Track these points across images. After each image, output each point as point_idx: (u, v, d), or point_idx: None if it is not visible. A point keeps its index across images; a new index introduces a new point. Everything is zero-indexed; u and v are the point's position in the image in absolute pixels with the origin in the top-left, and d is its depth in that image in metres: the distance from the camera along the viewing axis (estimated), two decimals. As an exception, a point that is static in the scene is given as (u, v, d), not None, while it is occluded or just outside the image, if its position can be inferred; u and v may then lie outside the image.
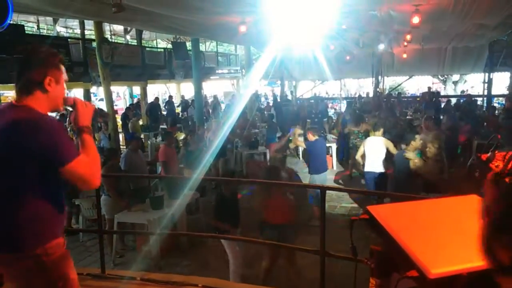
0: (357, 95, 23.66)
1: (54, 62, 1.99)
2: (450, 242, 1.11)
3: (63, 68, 2.04)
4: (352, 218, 1.25)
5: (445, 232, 1.17)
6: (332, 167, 10.95)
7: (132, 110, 15.26)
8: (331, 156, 11.13)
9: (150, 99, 17.54)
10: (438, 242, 1.11)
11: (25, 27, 13.28)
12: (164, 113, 17.32)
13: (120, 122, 13.64)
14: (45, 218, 1.97)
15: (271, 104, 18.66)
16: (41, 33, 18.24)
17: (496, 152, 1.37)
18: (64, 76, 2.06)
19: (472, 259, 0.97)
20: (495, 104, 17.86)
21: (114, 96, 17.70)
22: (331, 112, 19.11)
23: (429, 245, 1.08)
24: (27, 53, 1.97)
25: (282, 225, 4.56)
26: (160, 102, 19.32)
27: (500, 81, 20.71)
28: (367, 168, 7.14)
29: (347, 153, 10.44)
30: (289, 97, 20.45)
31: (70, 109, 2.17)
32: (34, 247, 1.92)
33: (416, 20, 7.93)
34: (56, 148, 1.88)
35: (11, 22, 5.40)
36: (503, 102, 17.95)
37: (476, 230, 0.99)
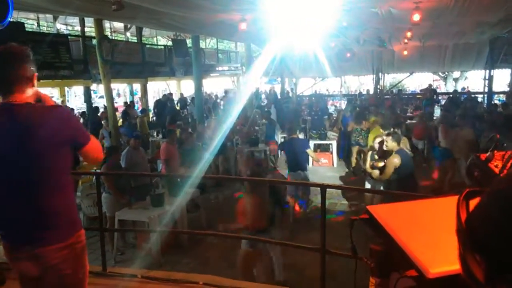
0: (357, 92, 23.66)
1: (32, 58, 2.02)
2: (450, 241, 1.12)
3: None
4: (352, 218, 1.26)
5: (445, 231, 1.18)
6: (333, 164, 10.97)
7: (133, 107, 15.24)
8: (331, 153, 11.14)
9: (150, 96, 17.50)
10: (437, 242, 1.12)
11: (25, 24, 13.23)
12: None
13: (120, 119, 13.63)
14: (74, 205, 2.11)
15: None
16: (41, 31, 18.21)
17: (495, 151, 1.38)
18: None
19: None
20: (496, 101, 17.85)
21: (114, 93, 17.70)
22: (331, 109, 19.10)
23: (428, 244, 1.09)
24: (12, 52, 1.97)
25: None
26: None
27: (501, 78, 20.68)
28: None
29: (348, 150, 10.42)
30: (290, 94, 20.43)
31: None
32: (71, 235, 1.99)
33: (416, 17, 7.92)
34: (78, 132, 2.03)
35: (11, 19, 5.39)
36: (504, 99, 17.96)
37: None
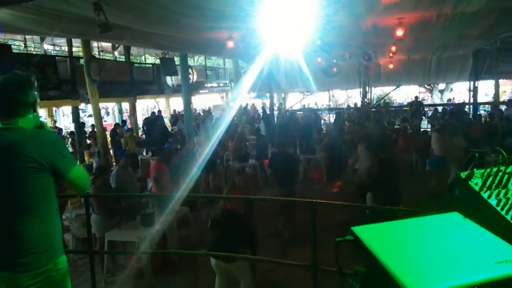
0: (345, 106, 23.87)
1: (35, 86, 2.11)
2: (432, 260, 1.14)
3: None
4: (336, 240, 1.27)
5: (428, 251, 1.20)
6: (323, 179, 10.97)
7: (122, 126, 15.18)
8: (322, 168, 11.16)
9: (139, 114, 17.46)
10: (420, 261, 1.13)
11: (12, 46, 13.22)
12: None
13: (109, 139, 13.55)
14: (57, 232, 2.08)
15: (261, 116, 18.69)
16: (28, 51, 18.16)
17: (475, 169, 1.41)
18: None
19: (453, 277, 1.00)
20: (482, 111, 18.16)
21: (103, 112, 17.63)
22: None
23: (411, 264, 1.11)
24: (17, 79, 2.05)
25: None
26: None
27: (488, 88, 21.03)
28: None
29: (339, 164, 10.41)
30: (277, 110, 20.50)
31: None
32: (48, 262, 2.00)
33: (400, 32, 8.08)
34: (60, 158, 2.03)
35: (-2, 42, 5.39)
36: (489, 109, 18.28)
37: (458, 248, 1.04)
